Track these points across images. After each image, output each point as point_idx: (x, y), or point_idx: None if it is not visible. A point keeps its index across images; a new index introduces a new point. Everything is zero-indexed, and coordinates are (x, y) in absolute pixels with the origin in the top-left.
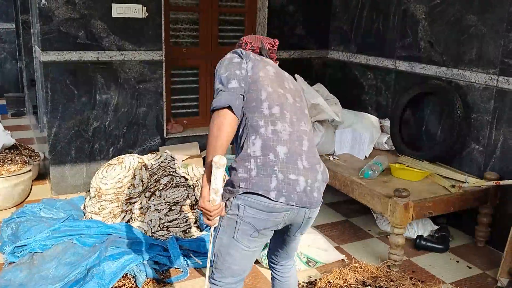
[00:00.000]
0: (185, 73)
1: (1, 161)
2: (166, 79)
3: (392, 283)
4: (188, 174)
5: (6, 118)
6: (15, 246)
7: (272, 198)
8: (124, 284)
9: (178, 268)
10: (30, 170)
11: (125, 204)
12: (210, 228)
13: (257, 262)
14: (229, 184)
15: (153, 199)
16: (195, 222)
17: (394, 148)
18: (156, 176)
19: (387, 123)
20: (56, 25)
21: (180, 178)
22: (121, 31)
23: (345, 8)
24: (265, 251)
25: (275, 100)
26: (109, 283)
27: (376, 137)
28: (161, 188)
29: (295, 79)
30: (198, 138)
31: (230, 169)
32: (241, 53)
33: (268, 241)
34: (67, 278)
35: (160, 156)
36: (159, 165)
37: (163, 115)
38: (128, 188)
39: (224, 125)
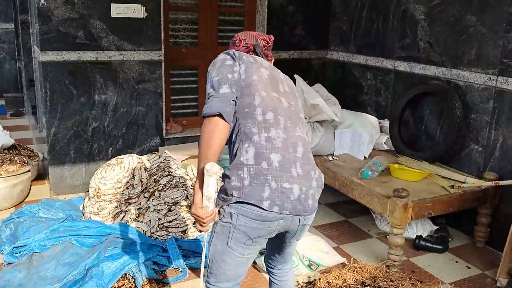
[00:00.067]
0: (185, 73)
1: (0, 161)
2: (165, 79)
3: (392, 283)
4: (188, 175)
5: (5, 118)
6: (14, 247)
7: (265, 208)
8: (123, 285)
9: (177, 268)
10: (29, 171)
11: (124, 205)
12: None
13: (256, 263)
14: (223, 192)
15: (152, 200)
16: (194, 223)
17: (393, 149)
18: (155, 177)
19: (386, 123)
20: (55, 25)
21: (179, 179)
22: (120, 31)
23: (344, 9)
24: (263, 257)
25: (269, 105)
26: (108, 283)
27: (375, 138)
28: (160, 188)
29: (294, 79)
30: (198, 139)
31: (223, 176)
32: (234, 54)
33: (265, 246)
34: (66, 279)
35: (160, 157)
36: (158, 165)
37: (163, 115)
38: (127, 188)
39: (215, 132)
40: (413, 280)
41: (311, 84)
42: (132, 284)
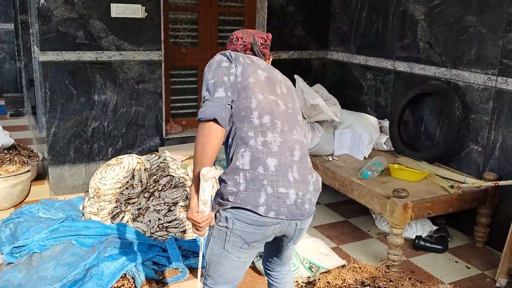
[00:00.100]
0: (184, 73)
1: (0, 161)
2: (165, 79)
3: (391, 283)
4: (187, 175)
5: (5, 119)
6: (14, 247)
7: (261, 213)
8: (123, 285)
9: (177, 268)
10: (28, 171)
11: (124, 205)
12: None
13: (254, 264)
14: (219, 196)
15: (152, 200)
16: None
17: (393, 149)
18: (155, 177)
19: (386, 123)
20: (55, 25)
21: (179, 179)
22: (120, 31)
23: (344, 9)
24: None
25: (266, 109)
26: (107, 283)
27: (375, 138)
28: (160, 188)
29: (294, 80)
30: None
31: (219, 180)
32: (230, 56)
33: (263, 249)
34: (65, 279)
35: (159, 157)
36: (158, 165)
37: (162, 116)
38: (127, 188)
39: (211, 137)
40: (412, 280)
41: (311, 84)
42: (131, 284)
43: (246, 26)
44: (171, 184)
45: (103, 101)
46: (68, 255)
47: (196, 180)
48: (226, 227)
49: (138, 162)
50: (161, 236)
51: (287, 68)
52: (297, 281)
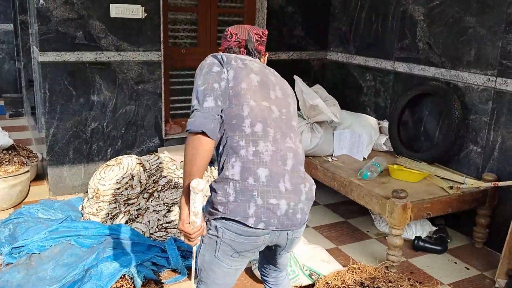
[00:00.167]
0: (184, 73)
1: None
2: (164, 79)
3: (390, 284)
4: None
5: (4, 119)
6: (13, 247)
7: (250, 225)
8: (122, 285)
9: (176, 269)
10: (28, 171)
11: (123, 205)
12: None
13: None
14: (209, 204)
15: (152, 200)
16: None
17: (392, 149)
18: (154, 177)
19: (385, 124)
20: (54, 26)
21: (178, 179)
22: (120, 32)
23: (344, 9)
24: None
25: (258, 116)
26: (107, 284)
27: (374, 138)
28: (159, 189)
29: (294, 80)
30: None
31: (210, 188)
32: (222, 59)
33: (257, 257)
34: (64, 279)
35: (159, 157)
36: (157, 166)
37: (162, 116)
38: (126, 189)
39: (200, 150)
40: (412, 281)
41: (310, 85)
42: (131, 285)
43: None
44: (171, 185)
45: (103, 102)
46: (67, 256)
47: (186, 191)
48: (216, 235)
49: (137, 163)
50: (160, 236)
51: (287, 69)
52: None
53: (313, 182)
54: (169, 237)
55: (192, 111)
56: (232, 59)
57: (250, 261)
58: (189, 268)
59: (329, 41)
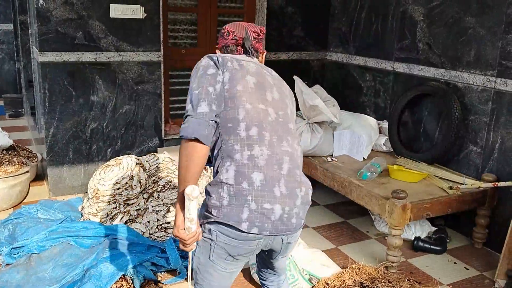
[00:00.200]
0: (184, 74)
1: None
2: (164, 80)
3: (390, 284)
4: None
5: (3, 119)
6: (12, 248)
7: (243, 230)
8: (122, 286)
9: (175, 269)
10: (27, 171)
11: (123, 206)
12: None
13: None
14: (204, 207)
15: (151, 201)
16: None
17: (392, 150)
18: (154, 178)
19: (385, 124)
20: (54, 26)
21: None
22: (119, 32)
23: (343, 10)
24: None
25: (254, 120)
26: (106, 284)
27: (374, 139)
28: (159, 189)
29: (293, 81)
30: None
31: (205, 191)
32: (217, 60)
33: (254, 260)
34: (64, 280)
35: (158, 158)
36: (157, 166)
37: (161, 116)
38: (126, 189)
39: (194, 156)
40: (411, 281)
41: (310, 85)
42: (130, 285)
43: None
44: (170, 185)
45: (102, 102)
46: (67, 256)
47: (181, 197)
48: (210, 238)
49: (137, 163)
50: (160, 237)
51: (286, 69)
52: None
53: (310, 186)
54: (168, 238)
55: (186, 117)
56: (228, 60)
57: (250, 265)
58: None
59: (329, 41)
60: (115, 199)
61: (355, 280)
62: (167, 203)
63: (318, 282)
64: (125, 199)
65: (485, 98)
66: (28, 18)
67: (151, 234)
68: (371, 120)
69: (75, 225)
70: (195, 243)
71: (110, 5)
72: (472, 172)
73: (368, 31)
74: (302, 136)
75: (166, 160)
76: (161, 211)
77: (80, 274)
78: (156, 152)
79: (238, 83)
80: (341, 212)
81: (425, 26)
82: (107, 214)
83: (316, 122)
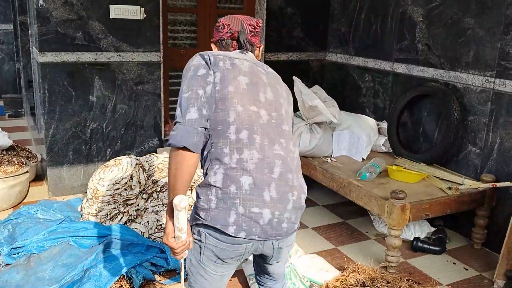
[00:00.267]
0: None
1: None
2: (164, 80)
3: (389, 284)
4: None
5: (3, 119)
6: (12, 248)
7: (230, 234)
8: (121, 286)
9: (175, 270)
10: (27, 172)
11: (122, 206)
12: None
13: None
14: (194, 209)
15: (151, 201)
16: None
17: (391, 150)
18: (153, 178)
19: (384, 125)
20: (54, 26)
21: None
22: (119, 33)
23: (343, 11)
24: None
25: (245, 122)
26: (106, 284)
27: (373, 139)
28: (158, 189)
29: (293, 81)
30: None
31: (196, 192)
32: (209, 60)
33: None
34: (63, 280)
35: (158, 158)
36: (156, 166)
37: (161, 117)
38: (125, 189)
39: (183, 165)
40: (410, 282)
41: (309, 86)
42: (130, 286)
43: None
44: None
45: (102, 102)
46: (66, 256)
47: (171, 205)
48: (200, 240)
49: (136, 163)
50: (159, 237)
51: (286, 70)
52: None
53: (303, 190)
54: None
55: (175, 124)
56: (220, 59)
57: (247, 276)
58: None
59: (328, 42)
60: (114, 199)
61: (355, 280)
62: (166, 204)
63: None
64: (124, 199)
65: (484, 98)
66: (28, 19)
67: (151, 234)
68: (371, 121)
69: (74, 225)
70: (186, 252)
71: (110, 5)
72: (471, 172)
73: (368, 32)
74: (301, 136)
75: (166, 161)
76: (160, 211)
77: (80, 274)
78: (156, 153)
79: (229, 84)
80: (341, 213)
81: (424, 27)
82: (107, 214)
83: (315, 123)
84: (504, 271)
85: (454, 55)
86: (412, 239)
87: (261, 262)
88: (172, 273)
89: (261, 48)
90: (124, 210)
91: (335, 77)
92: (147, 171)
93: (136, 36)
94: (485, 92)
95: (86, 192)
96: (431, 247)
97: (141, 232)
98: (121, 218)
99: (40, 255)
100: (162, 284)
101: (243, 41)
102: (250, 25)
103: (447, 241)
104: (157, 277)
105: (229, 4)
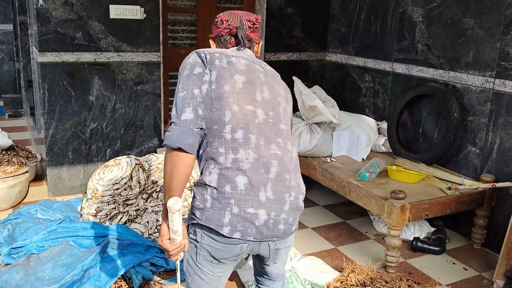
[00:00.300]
0: None
1: None
2: (163, 80)
3: (388, 284)
4: (192, 176)
5: (3, 119)
6: (12, 248)
7: (224, 234)
8: (121, 286)
9: (174, 270)
10: (27, 172)
11: (122, 206)
12: None
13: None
14: (191, 208)
15: (150, 201)
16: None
17: (391, 150)
18: (153, 178)
19: (384, 125)
20: (54, 26)
21: None
22: (119, 33)
23: (343, 11)
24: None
25: (240, 122)
26: (105, 284)
27: (373, 139)
28: (158, 189)
29: (292, 81)
30: None
31: (192, 191)
32: (205, 58)
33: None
34: (63, 280)
35: (158, 158)
36: (156, 166)
37: (161, 117)
38: (125, 189)
39: (178, 165)
40: (410, 282)
41: (309, 86)
42: (129, 286)
43: None
44: None
45: (102, 102)
46: (66, 256)
47: (166, 207)
48: (196, 240)
49: (136, 163)
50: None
51: (286, 70)
52: None
53: (301, 191)
54: None
55: (170, 125)
56: (216, 58)
57: (244, 283)
58: None
59: (328, 42)
60: (114, 199)
61: (354, 281)
62: None
63: None
64: (124, 199)
65: (484, 99)
66: (27, 19)
67: (150, 234)
68: (370, 121)
69: (74, 225)
70: (182, 254)
71: (110, 5)
72: (470, 172)
73: (367, 32)
74: (301, 136)
75: None
76: (160, 211)
77: (79, 274)
78: (156, 153)
79: (225, 83)
80: (340, 213)
81: (424, 27)
82: (106, 214)
83: (315, 123)
84: (504, 271)
85: (454, 55)
86: (411, 239)
87: (258, 263)
88: (171, 273)
89: (261, 44)
90: (124, 210)
91: (335, 77)
92: (146, 171)
93: (136, 36)
94: (484, 92)
95: (85, 192)
96: (430, 247)
97: (141, 232)
98: (121, 218)
99: (40, 255)
100: (161, 284)
101: (241, 37)
102: (249, 20)
103: (447, 241)
104: (156, 277)
105: (229, 4)
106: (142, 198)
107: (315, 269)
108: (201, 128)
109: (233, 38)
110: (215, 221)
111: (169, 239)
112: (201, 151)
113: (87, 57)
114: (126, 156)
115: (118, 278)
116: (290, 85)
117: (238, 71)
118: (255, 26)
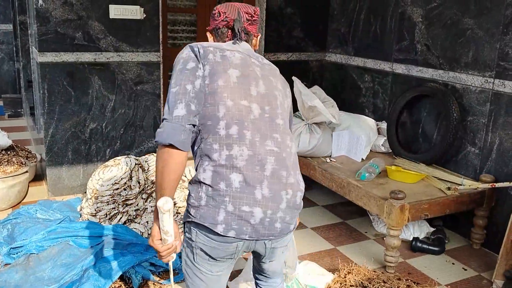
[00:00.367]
0: None
1: None
2: (163, 80)
3: (388, 284)
4: (185, 176)
5: (3, 119)
6: (11, 248)
7: (219, 232)
8: (120, 286)
9: (174, 269)
10: (26, 171)
11: (122, 206)
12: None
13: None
14: (187, 206)
15: (150, 201)
16: None
17: (390, 151)
18: (153, 178)
19: (384, 125)
20: (53, 26)
21: None
22: (119, 33)
23: (343, 11)
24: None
25: (235, 118)
26: (105, 284)
27: (373, 140)
28: None
29: (292, 82)
30: None
31: (188, 189)
32: (199, 52)
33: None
34: (62, 280)
35: None
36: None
37: (161, 117)
38: (125, 189)
39: (170, 163)
40: (409, 282)
41: (309, 86)
42: (129, 285)
43: None
44: None
45: (101, 102)
46: (66, 256)
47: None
48: (191, 238)
49: (136, 163)
50: None
51: (285, 70)
52: None
53: (300, 188)
54: None
55: (162, 121)
56: (210, 52)
57: None
58: None
59: (328, 42)
60: (114, 199)
61: (354, 281)
62: None
63: None
64: (124, 199)
65: (483, 99)
66: (27, 19)
67: (150, 234)
68: (370, 121)
69: (74, 225)
70: (174, 255)
71: (110, 5)
72: (470, 173)
73: (367, 32)
74: (300, 136)
75: None
76: None
77: (79, 274)
78: (155, 153)
79: (219, 78)
80: (340, 213)
81: (423, 27)
82: (106, 214)
83: (315, 123)
84: (503, 271)
85: (454, 55)
86: (411, 239)
87: (255, 260)
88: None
89: (259, 37)
90: (124, 210)
91: (335, 77)
92: (146, 171)
93: (135, 36)
94: (484, 92)
95: (85, 192)
96: (430, 247)
97: (140, 232)
98: (121, 218)
99: (39, 255)
100: (161, 284)
101: (238, 30)
102: (247, 13)
103: (446, 241)
104: (156, 277)
105: None
106: (142, 198)
107: (313, 273)
108: (193, 125)
109: (230, 31)
110: (209, 219)
111: (161, 239)
112: (195, 148)
113: (86, 57)
114: (126, 156)
115: (118, 278)
116: (290, 85)
117: (232, 65)
118: (253, 18)
